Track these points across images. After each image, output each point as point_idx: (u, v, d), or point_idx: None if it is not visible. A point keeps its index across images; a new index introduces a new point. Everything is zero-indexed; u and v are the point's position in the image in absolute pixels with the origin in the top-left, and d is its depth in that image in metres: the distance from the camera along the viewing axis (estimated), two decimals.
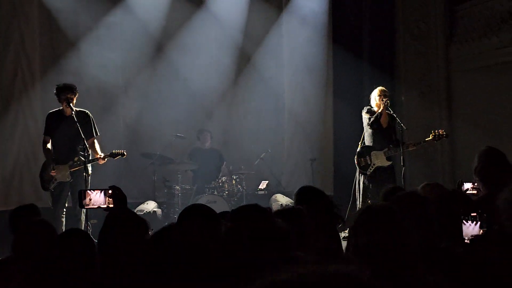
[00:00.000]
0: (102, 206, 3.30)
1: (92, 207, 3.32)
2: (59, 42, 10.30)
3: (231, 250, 2.16)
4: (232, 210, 2.30)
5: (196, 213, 3.40)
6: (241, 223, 2.25)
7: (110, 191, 3.25)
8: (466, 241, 2.80)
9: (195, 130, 10.44)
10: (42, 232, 3.39)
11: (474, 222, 2.80)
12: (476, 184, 4.47)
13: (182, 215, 3.44)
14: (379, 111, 7.91)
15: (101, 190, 3.32)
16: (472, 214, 2.85)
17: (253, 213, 2.31)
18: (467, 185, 5.03)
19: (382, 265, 2.36)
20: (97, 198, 3.30)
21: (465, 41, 10.47)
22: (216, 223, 3.41)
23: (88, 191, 3.36)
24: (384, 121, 7.99)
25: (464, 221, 2.80)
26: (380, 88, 8.07)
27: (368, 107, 8.16)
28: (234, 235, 2.20)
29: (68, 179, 7.40)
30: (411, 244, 2.40)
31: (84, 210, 6.92)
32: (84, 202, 3.32)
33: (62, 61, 10.11)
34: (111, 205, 3.25)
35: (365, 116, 8.11)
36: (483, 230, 2.81)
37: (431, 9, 10.87)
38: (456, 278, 2.56)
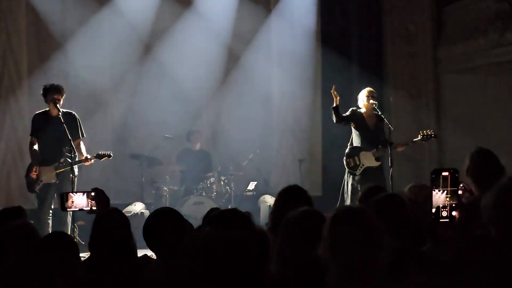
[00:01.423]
0: (84, 208, 3.26)
1: (74, 209, 3.29)
2: (46, 43, 10.26)
3: (207, 256, 2.15)
4: (210, 216, 2.29)
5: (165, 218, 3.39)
6: (219, 228, 2.23)
7: (92, 194, 3.22)
8: (443, 210, 2.76)
9: (184, 130, 10.40)
10: (23, 235, 3.36)
11: (441, 191, 2.78)
12: (463, 186, 4.43)
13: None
14: (333, 105, 7.94)
15: (83, 193, 3.29)
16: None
17: (232, 218, 2.29)
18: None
19: (352, 268, 2.36)
20: (79, 201, 3.27)
21: (452, 42, 10.49)
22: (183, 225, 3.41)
23: (70, 193, 3.33)
24: (371, 123, 8.01)
25: (434, 191, 2.77)
26: (368, 89, 8.06)
27: (354, 108, 8.15)
28: (212, 241, 2.18)
29: (54, 181, 7.35)
30: (383, 247, 2.39)
31: (70, 212, 6.88)
32: (66, 204, 3.28)
33: (49, 61, 10.06)
34: (94, 208, 3.23)
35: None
36: (449, 199, 2.78)
37: (419, 11, 10.90)
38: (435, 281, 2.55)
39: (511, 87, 10.51)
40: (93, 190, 3.25)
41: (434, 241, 2.92)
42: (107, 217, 3.19)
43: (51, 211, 7.35)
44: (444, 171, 2.79)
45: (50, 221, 7.31)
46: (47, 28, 10.14)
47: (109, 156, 7.56)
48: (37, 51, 10.26)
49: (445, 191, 2.78)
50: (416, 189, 4.35)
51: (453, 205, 2.76)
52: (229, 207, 9.44)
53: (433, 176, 2.80)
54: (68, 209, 3.31)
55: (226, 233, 2.15)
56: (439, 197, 2.78)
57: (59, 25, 10.17)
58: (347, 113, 8.06)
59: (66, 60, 10.10)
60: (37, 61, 10.14)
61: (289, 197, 4.05)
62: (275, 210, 4.01)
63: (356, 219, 2.42)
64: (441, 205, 2.76)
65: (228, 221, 2.19)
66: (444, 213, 2.76)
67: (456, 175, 2.80)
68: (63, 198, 3.30)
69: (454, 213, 2.76)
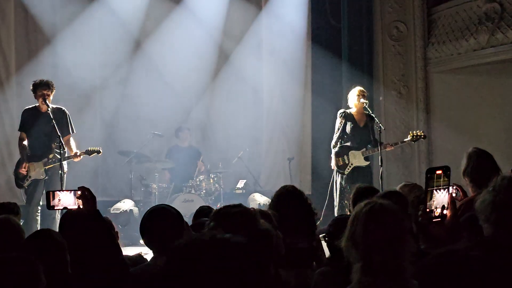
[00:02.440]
0: (71, 207, 3.24)
1: (61, 208, 3.26)
2: (35, 38, 10.20)
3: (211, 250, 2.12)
4: (216, 210, 2.27)
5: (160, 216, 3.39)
6: (224, 222, 2.21)
7: (79, 192, 3.20)
8: (438, 209, 2.76)
9: (173, 128, 10.38)
10: (4, 231, 3.35)
11: (444, 189, 2.78)
12: (455, 187, 4.43)
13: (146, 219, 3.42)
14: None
15: (70, 191, 3.26)
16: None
17: (237, 213, 2.27)
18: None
19: (381, 267, 2.40)
20: (66, 199, 3.23)
21: (443, 42, 10.52)
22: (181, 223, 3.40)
23: (57, 191, 3.29)
24: (361, 122, 8.02)
25: (436, 191, 2.77)
26: (358, 88, 8.06)
27: (343, 110, 8.14)
28: (216, 239, 2.16)
29: (42, 177, 7.32)
30: (411, 248, 2.44)
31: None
32: (53, 203, 3.25)
33: (38, 57, 10.00)
34: (81, 206, 3.20)
35: (337, 120, 8.10)
36: (451, 197, 2.78)
37: (410, 11, 10.92)
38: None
39: (500, 87, 10.57)
40: (79, 188, 3.22)
41: (428, 241, 2.93)
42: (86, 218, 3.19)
43: (39, 208, 7.31)
44: (438, 170, 2.78)
45: (38, 218, 7.27)
46: (36, 23, 10.07)
47: (98, 152, 7.53)
48: (26, 46, 10.19)
49: (446, 190, 2.77)
50: (408, 188, 4.36)
51: (444, 204, 2.76)
52: (218, 205, 9.51)
53: (428, 175, 2.78)
54: (54, 208, 3.28)
55: (232, 227, 2.14)
56: (444, 196, 2.77)
57: (48, 21, 10.10)
58: (340, 124, 8.03)
59: (55, 56, 10.04)
60: (26, 57, 10.08)
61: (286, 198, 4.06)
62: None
63: (391, 219, 2.46)
64: (445, 205, 2.75)
65: (234, 219, 2.17)
66: (437, 213, 2.75)
67: (448, 172, 2.79)
68: (49, 196, 3.26)
69: (445, 212, 2.75)
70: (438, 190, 2.76)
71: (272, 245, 2.22)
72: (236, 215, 2.19)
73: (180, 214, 3.44)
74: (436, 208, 2.75)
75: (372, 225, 2.44)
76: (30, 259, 2.58)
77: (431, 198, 2.76)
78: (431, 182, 2.75)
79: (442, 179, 2.77)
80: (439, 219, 2.76)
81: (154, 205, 9.04)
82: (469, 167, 4.43)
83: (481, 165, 4.39)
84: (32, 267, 2.55)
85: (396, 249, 2.42)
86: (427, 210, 2.74)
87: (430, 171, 2.78)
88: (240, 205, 2.28)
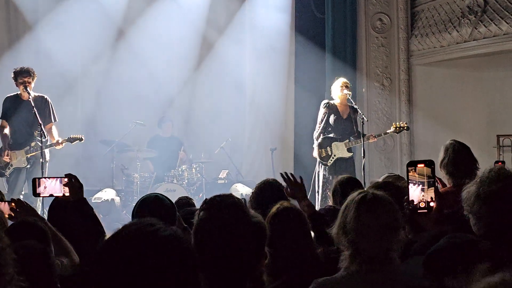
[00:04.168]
0: (57, 194, 3.19)
1: (46, 195, 3.22)
2: (16, 25, 10.06)
3: (202, 241, 2.10)
4: (205, 200, 2.24)
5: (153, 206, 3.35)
6: (215, 213, 2.18)
7: (66, 179, 3.16)
8: (416, 203, 2.79)
9: (155, 117, 10.31)
10: None
11: (417, 184, 2.79)
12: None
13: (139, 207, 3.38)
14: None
15: (56, 178, 3.21)
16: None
17: (228, 204, 2.24)
18: None
19: (371, 255, 2.42)
20: (52, 187, 3.19)
21: (426, 35, 10.55)
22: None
23: (42, 179, 3.24)
24: (344, 113, 8.03)
25: (413, 184, 2.79)
26: (341, 79, 8.08)
27: (326, 101, 8.15)
28: (207, 226, 2.13)
29: (24, 165, 7.26)
30: (401, 238, 2.48)
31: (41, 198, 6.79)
32: (38, 190, 3.21)
33: (19, 44, 9.87)
34: (67, 194, 3.16)
35: (321, 110, 8.10)
36: (425, 191, 2.80)
37: (393, 3, 10.93)
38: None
39: (482, 81, 10.64)
40: (66, 175, 3.18)
41: (414, 231, 2.94)
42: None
43: (22, 196, 7.24)
44: (419, 163, 2.80)
45: None
46: (17, 10, 9.93)
47: (80, 139, 7.51)
48: (7, 33, 10.06)
49: (421, 184, 2.79)
50: (391, 180, 4.37)
51: (431, 196, 2.77)
52: (200, 195, 9.48)
53: (409, 168, 2.80)
54: (40, 195, 3.24)
55: (223, 218, 2.10)
56: (414, 191, 2.79)
57: (30, 7, 9.97)
58: (323, 114, 8.03)
59: (37, 43, 9.92)
60: (6, 44, 9.95)
61: (267, 191, 4.06)
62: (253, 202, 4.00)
63: (383, 208, 2.47)
64: (416, 200, 2.77)
65: (223, 207, 2.14)
66: (422, 204, 2.77)
67: (432, 166, 2.80)
68: (35, 184, 3.22)
69: (432, 204, 2.77)
70: (412, 185, 2.79)
71: (265, 238, 2.20)
72: (228, 206, 2.16)
73: (174, 205, 3.39)
74: (422, 200, 2.77)
75: (363, 213, 2.45)
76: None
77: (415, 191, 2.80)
78: (412, 175, 2.78)
79: (425, 173, 2.79)
80: (425, 210, 2.77)
81: (135, 194, 9.06)
82: (445, 160, 4.46)
83: (457, 158, 4.42)
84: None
85: (386, 239, 2.44)
86: (411, 201, 2.76)
87: (411, 164, 2.80)
88: (230, 195, 2.26)
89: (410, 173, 2.78)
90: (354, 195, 2.54)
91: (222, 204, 2.13)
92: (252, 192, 4.27)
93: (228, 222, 2.06)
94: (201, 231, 2.10)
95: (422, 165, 2.78)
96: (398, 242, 2.47)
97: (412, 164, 2.81)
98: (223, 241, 2.03)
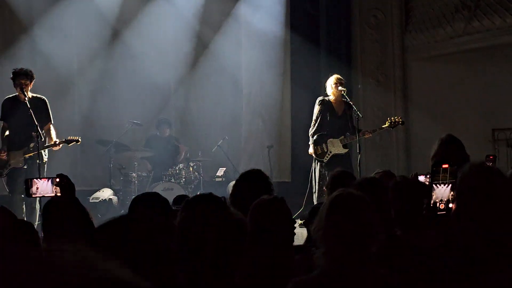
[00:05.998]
0: (49, 195, 3.23)
1: (39, 196, 3.25)
2: (11, 26, 10.07)
3: (184, 240, 2.13)
4: (186, 200, 2.27)
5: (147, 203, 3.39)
6: (195, 212, 2.22)
7: (57, 180, 3.19)
8: (440, 203, 2.80)
9: (152, 116, 10.34)
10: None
11: (446, 184, 2.81)
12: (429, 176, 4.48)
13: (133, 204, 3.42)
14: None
15: (48, 179, 3.25)
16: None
17: (208, 202, 2.27)
18: (421, 178, 5.04)
19: (343, 253, 2.40)
20: (44, 187, 3.23)
21: (420, 30, 10.59)
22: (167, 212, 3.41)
23: (34, 179, 3.28)
24: (339, 110, 8.05)
25: (435, 185, 2.80)
26: (336, 76, 8.09)
27: (321, 98, 8.17)
28: (188, 225, 2.17)
29: (21, 165, 7.29)
30: (376, 236, 2.43)
31: (38, 198, 6.83)
32: (31, 191, 3.24)
33: (15, 45, 9.88)
34: (59, 194, 3.19)
35: (316, 107, 8.12)
36: (453, 192, 2.80)
37: None
38: (409, 265, 2.60)
39: (476, 75, 10.66)
40: (57, 176, 3.21)
41: (403, 227, 2.96)
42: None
43: (23, 196, 7.27)
44: (444, 164, 2.79)
45: (24, 206, 7.23)
46: (12, 11, 9.95)
47: (77, 141, 7.53)
48: (2, 34, 10.08)
49: (450, 184, 2.78)
50: (379, 176, 4.40)
51: (451, 197, 2.77)
52: (198, 193, 9.51)
53: (434, 169, 2.79)
54: (33, 195, 3.28)
55: (204, 217, 2.14)
56: (444, 190, 2.80)
57: (25, 8, 9.98)
58: (318, 111, 8.05)
59: (32, 43, 9.93)
60: (2, 45, 9.97)
61: (250, 181, 4.10)
62: (235, 192, 4.04)
63: (356, 207, 2.44)
64: (445, 199, 2.77)
65: (205, 205, 2.18)
66: (442, 206, 2.76)
67: (455, 166, 2.81)
68: (28, 184, 3.26)
69: (451, 205, 2.77)
70: (439, 185, 2.79)
71: (245, 235, 2.23)
72: (207, 204, 2.19)
73: (167, 202, 3.43)
74: (441, 201, 2.77)
75: (334, 212, 2.43)
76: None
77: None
78: (437, 176, 2.77)
79: (448, 173, 2.79)
80: (444, 212, 2.78)
81: (133, 194, 9.08)
82: (438, 153, 4.49)
83: (446, 152, 4.44)
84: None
85: (359, 239, 2.39)
86: (431, 204, 2.76)
87: (436, 165, 2.80)
88: (210, 194, 2.29)
89: (440, 175, 2.76)
90: (333, 194, 2.55)
91: (202, 203, 2.17)
92: (236, 180, 4.32)
93: (209, 220, 2.10)
94: (182, 230, 2.14)
95: (447, 165, 2.78)
96: (373, 242, 2.43)
97: (437, 164, 2.80)
98: (204, 239, 2.07)
